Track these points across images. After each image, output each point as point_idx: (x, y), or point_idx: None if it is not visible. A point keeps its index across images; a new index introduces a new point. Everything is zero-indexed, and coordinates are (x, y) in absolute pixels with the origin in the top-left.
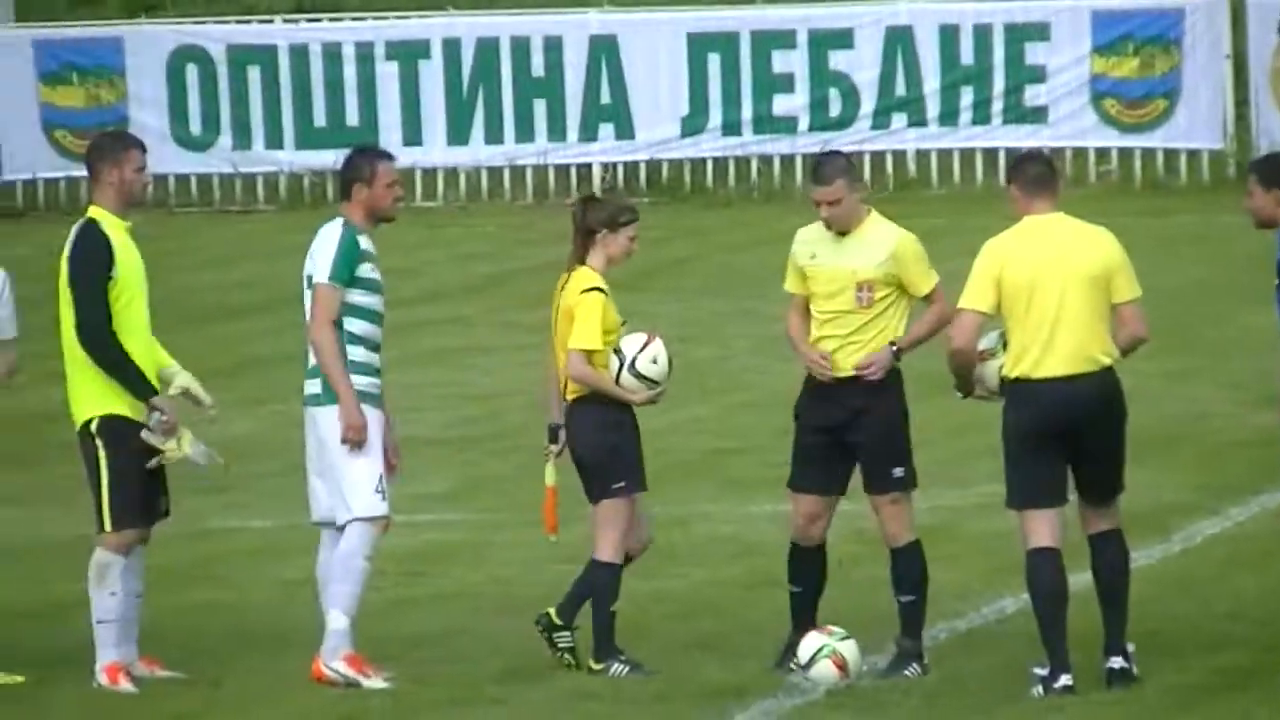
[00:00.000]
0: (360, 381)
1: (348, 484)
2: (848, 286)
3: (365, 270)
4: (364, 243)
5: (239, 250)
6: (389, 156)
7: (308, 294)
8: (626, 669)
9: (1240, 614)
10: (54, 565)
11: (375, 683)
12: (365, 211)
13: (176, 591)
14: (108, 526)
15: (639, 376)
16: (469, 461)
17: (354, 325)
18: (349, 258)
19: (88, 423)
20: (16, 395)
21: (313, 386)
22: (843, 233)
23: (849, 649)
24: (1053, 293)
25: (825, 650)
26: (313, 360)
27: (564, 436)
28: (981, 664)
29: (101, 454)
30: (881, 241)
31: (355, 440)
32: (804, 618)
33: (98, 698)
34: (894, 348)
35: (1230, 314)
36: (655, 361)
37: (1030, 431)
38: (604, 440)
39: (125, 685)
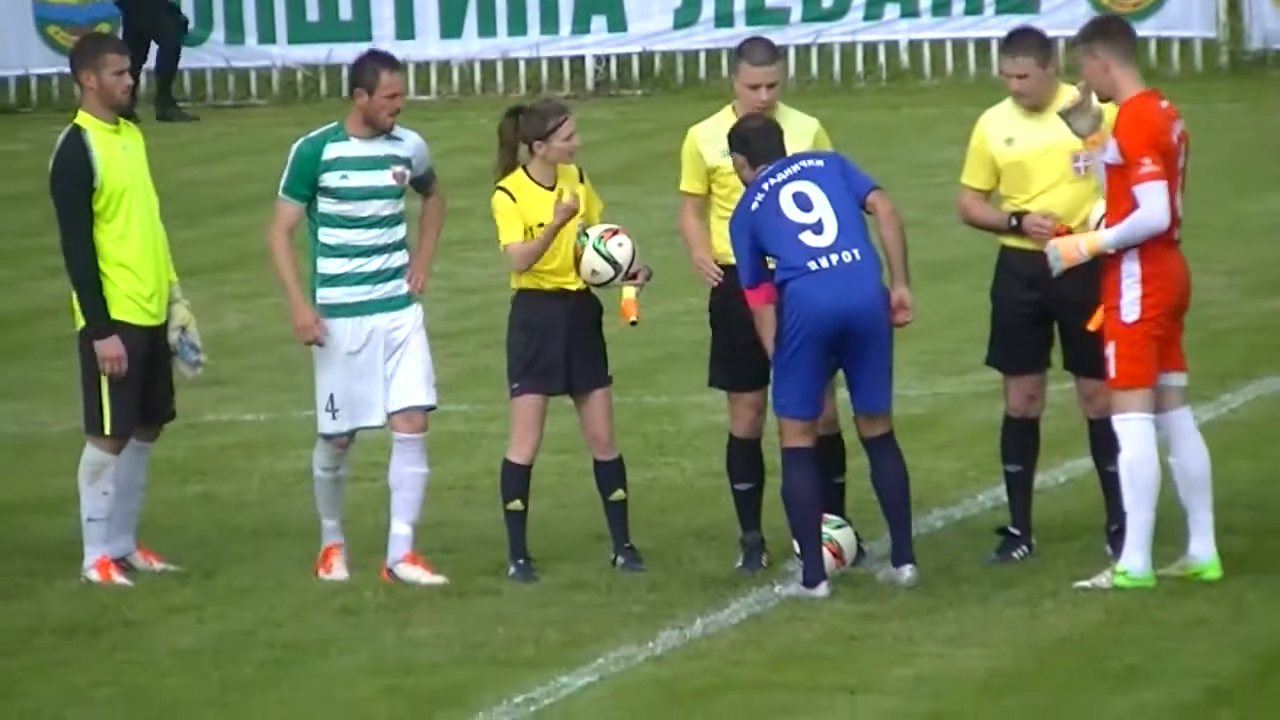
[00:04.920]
0: (334, 294)
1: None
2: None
3: (332, 179)
4: (338, 150)
5: (232, 145)
6: (395, 65)
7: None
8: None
9: (1235, 500)
10: (49, 459)
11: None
12: (362, 118)
13: (171, 484)
14: (106, 429)
15: (605, 257)
16: (463, 354)
17: (327, 235)
18: (301, 169)
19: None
20: (10, 289)
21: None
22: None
23: (844, 537)
24: None
25: (821, 539)
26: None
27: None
28: (977, 552)
29: None
30: None
31: (301, 336)
32: (752, 515)
33: (94, 591)
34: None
35: (1225, 201)
36: (621, 245)
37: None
38: (510, 337)
39: (118, 579)
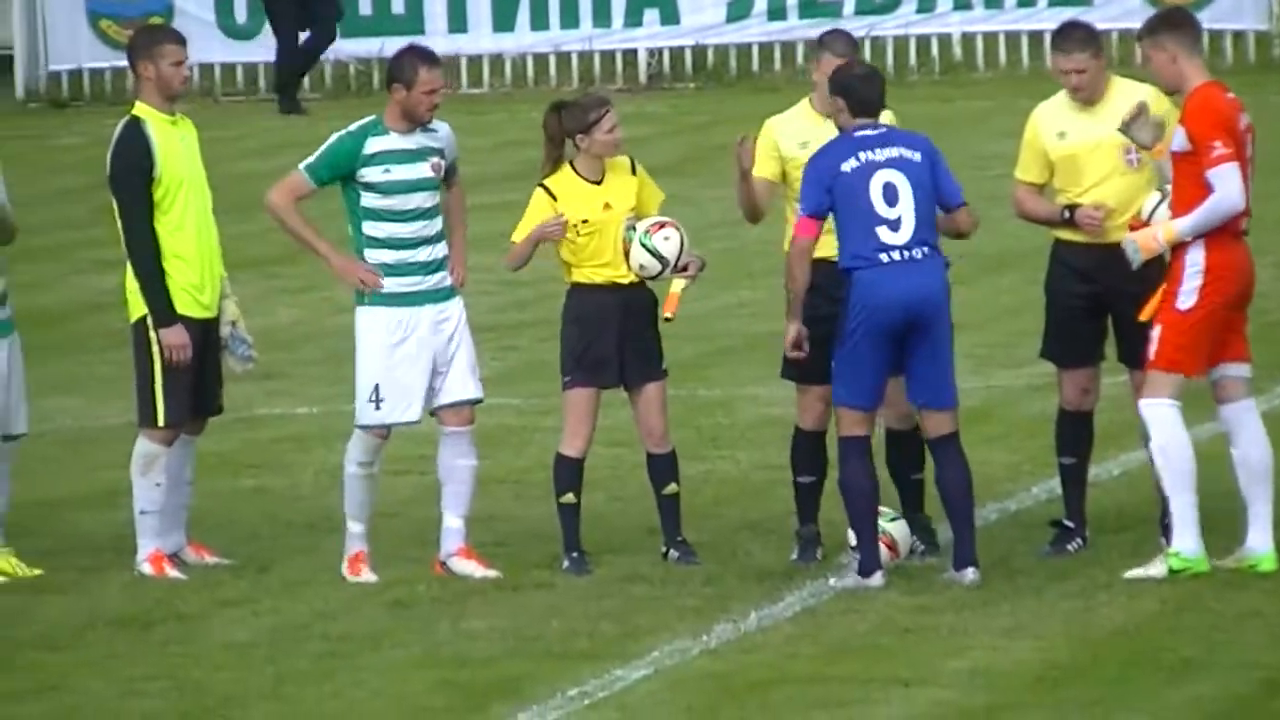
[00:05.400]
0: (385, 283)
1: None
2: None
3: (374, 173)
4: (378, 144)
5: (284, 139)
6: (435, 61)
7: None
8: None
9: None
10: (100, 453)
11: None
12: (400, 112)
13: (223, 478)
14: (160, 421)
15: (651, 251)
16: (518, 347)
17: (373, 229)
18: (335, 160)
19: (143, 317)
20: (60, 284)
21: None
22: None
23: (899, 529)
24: None
25: (877, 529)
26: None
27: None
28: (1031, 544)
29: (155, 349)
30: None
31: (352, 283)
32: (812, 509)
33: (147, 585)
34: None
35: (1276, 194)
36: (668, 239)
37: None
38: (563, 331)
39: (171, 572)
